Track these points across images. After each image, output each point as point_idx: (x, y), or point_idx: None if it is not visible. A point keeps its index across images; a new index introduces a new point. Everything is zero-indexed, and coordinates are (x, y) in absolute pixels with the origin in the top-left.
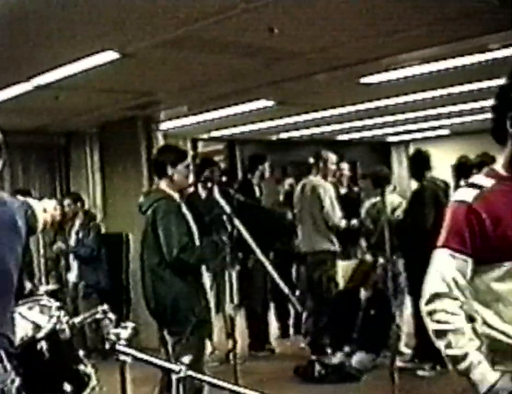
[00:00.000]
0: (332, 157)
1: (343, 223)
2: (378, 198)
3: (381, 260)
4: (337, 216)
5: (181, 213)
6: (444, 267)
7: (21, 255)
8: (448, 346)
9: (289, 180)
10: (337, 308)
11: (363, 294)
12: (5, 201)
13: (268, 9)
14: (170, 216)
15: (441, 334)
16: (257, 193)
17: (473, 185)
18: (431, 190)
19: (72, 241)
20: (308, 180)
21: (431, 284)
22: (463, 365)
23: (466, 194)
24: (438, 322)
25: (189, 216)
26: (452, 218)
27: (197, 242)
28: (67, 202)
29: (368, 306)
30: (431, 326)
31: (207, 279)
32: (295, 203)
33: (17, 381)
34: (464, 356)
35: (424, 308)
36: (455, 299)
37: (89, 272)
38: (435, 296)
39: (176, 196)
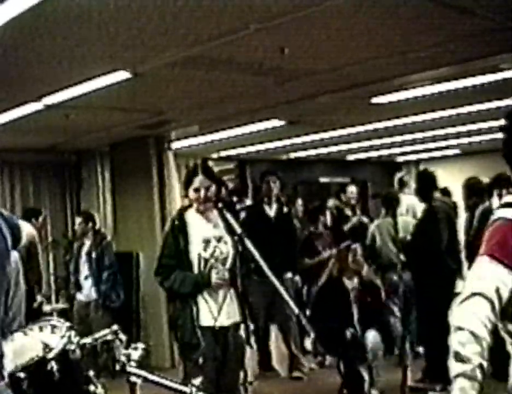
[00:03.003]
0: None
1: None
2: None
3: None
4: None
5: (178, 234)
6: (486, 272)
7: (7, 273)
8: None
9: (300, 201)
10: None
11: (348, 283)
12: None
13: (279, 29)
14: (163, 236)
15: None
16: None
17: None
18: (444, 210)
19: (83, 262)
20: None
21: (470, 285)
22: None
23: (508, 213)
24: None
25: (195, 239)
26: (497, 232)
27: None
28: (78, 220)
29: (360, 297)
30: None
31: (203, 304)
32: None
33: None
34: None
35: (456, 307)
36: (490, 301)
37: (104, 291)
38: (472, 295)
39: (195, 215)
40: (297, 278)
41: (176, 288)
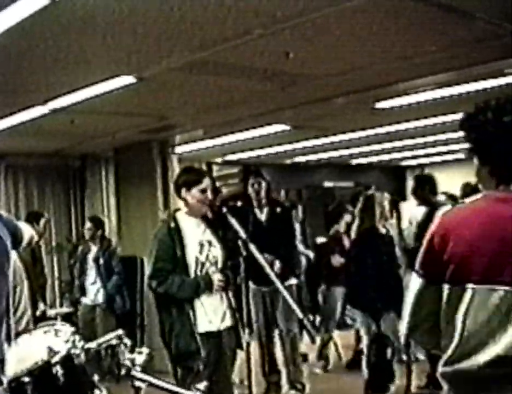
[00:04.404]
0: None
1: None
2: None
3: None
4: None
5: (174, 238)
6: None
7: (8, 275)
8: None
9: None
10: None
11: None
12: None
13: (284, 34)
14: (155, 240)
15: None
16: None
17: None
18: None
19: (90, 267)
20: None
21: None
22: None
23: None
24: None
25: (191, 242)
26: None
27: (193, 271)
28: (88, 226)
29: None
30: None
31: (203, 306)
32: None
33: None
34: None
35: None
36: None
37: (110, 297)
38: None
39: (187, 218)
40: (293, 281)
41: (174, 292)
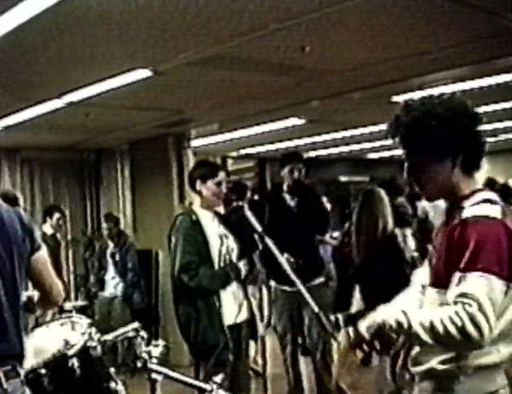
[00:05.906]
0: None
1: None
2: None
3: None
4: None
5: (197, 230)
6: None
7: (16, 267)
8: None
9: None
10: None
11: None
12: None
13: (300, 28)
14: (180, 232)
15: None
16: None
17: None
18: None
19: (108, 263)
20: None
21: None
22: None
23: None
24: None
25: (212, 235)
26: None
27: (217, 263)
28: (105, 225)
29: None
30: None
31: (228, 298)
32: None
33: None
34: None
35: None
36: None
37: (128, 292)
38: None
39: (203, 212)
40: (321, 279)
41: (206, 285)
